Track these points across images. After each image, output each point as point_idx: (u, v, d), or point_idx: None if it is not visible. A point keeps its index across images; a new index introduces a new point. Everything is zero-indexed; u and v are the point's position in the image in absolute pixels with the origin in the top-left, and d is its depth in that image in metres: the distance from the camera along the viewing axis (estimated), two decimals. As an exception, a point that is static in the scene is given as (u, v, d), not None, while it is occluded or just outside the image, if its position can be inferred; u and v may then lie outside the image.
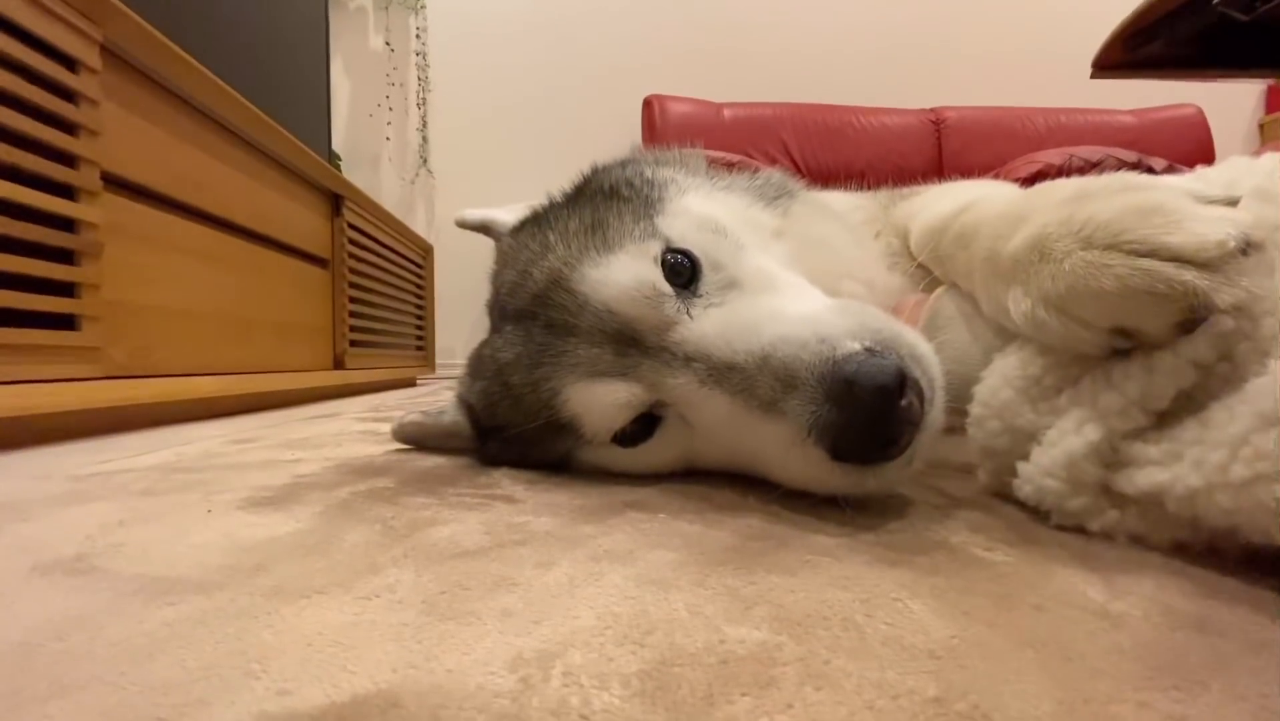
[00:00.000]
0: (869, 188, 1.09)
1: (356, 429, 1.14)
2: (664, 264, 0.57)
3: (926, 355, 0.50)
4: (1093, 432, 0.43)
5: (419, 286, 2.93)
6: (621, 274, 0.56)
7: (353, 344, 2.13)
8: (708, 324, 0.54)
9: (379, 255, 2.40)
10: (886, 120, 3.31)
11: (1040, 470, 0.46)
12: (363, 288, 2.23)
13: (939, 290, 0.64)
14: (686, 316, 0.55)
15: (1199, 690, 0.26)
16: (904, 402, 0.45)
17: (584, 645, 0.31)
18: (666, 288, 0.55)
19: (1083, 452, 0.44)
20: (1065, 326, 0.45)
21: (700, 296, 0.56)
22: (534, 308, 0.61)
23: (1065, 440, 0.45)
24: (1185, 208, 0.42)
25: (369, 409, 1.57)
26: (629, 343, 0.56)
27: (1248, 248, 0.40)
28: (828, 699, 0.26)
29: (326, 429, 1.14)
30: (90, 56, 1.09)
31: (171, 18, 1.35)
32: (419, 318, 2.94)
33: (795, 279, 0.59)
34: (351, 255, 2.14)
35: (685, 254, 0.57)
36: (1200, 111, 3.26)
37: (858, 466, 0.47)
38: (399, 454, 0.84)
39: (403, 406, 1.58)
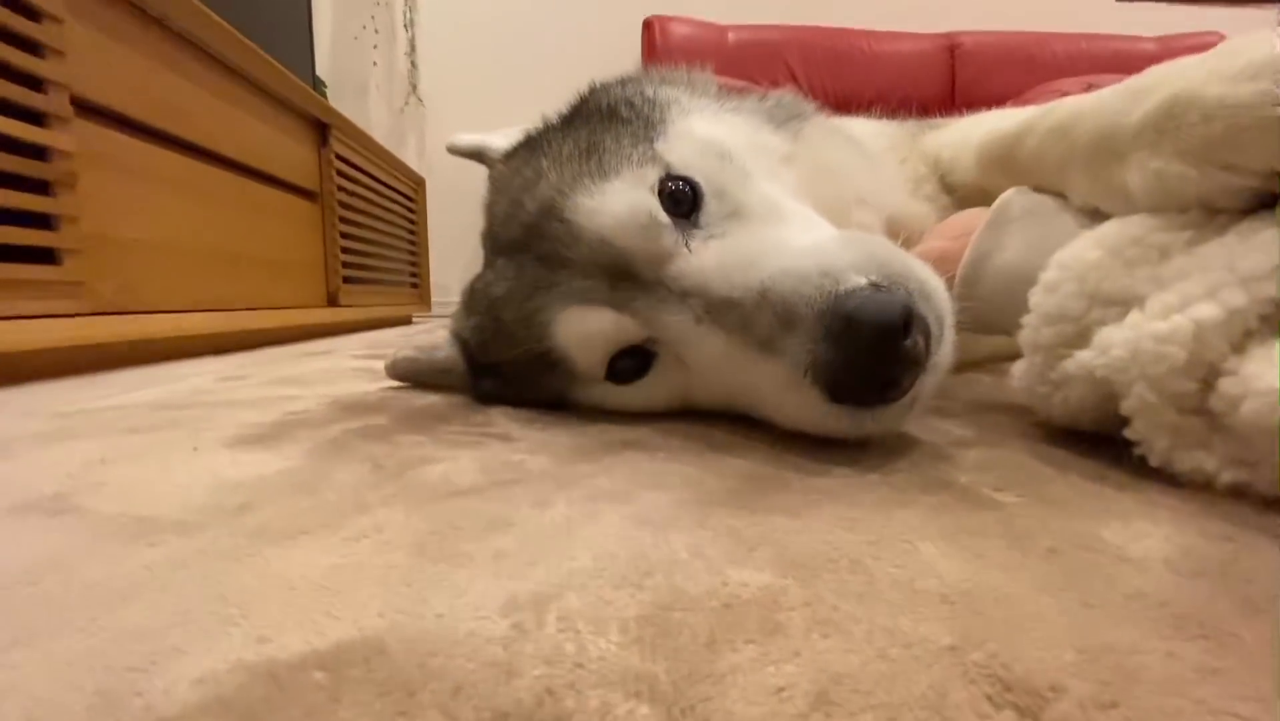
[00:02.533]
0: (893, 115, 1.04)
1: (350, 366, 1.12)
2: (663, 191, 0.54)
3: (937, 290, 0.47)
4: (1234, 298, 0.37)
5: (411, 221, 2.86)
6: (617, 203, 0.53)
7: (346, 280, 2.08)
8: (707, 257, 0.51)
9: (369, 188, 2.33)
10: (898, 45, 3.16)
11: (1149, 335, 0.39)
12: (354, 222, 2.17)
13: (1005, 194, 0.57)
14: (685, 249, 0.52)
15: (1230, 641, 0.25)
16: (908, 342, 0.42)
17: (580, 587, 0.29)
18: (665, 218, 0.52)
19: (1215, 322, 0.37)
20: (1210, 177, 0.41)
21: (700, 228, 0.53)
22: (526, 239, 0.58)
23: (1194, 306, 0.38)
24: None
25: (364, 345, 1.54)
26: (624, 276, 0.53)
27: None
28: (837, 646, 0.25)
29: (320, 366, 1.13)
30: (50, -32, 1.01)
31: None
32: (412, 253, 2.88)
33: (803, 208, 0.56)
34: (341, 188, 2.07)
35: (686, 180, 0.54)
36: (1225, 39, 3.12)
37: (856, 408, 0.45)
38: (394, 391, 0.82)
39: (398, 344, 1.56)
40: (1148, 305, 0.40)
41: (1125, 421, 0.42)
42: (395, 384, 0.86)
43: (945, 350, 0.47)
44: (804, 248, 0.49)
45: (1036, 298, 0.46)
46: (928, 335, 0.44)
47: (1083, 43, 3.12)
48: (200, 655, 0.24)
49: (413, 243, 2.89)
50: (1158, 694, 0.22)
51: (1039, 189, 0.56)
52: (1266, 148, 0.40)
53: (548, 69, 3.18)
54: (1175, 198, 0.43)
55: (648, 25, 3.05)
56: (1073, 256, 0.45)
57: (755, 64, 2.95)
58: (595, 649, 0.25)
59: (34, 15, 0.98)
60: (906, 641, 0.25)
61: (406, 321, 2.76)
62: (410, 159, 3.18)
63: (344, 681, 0.23)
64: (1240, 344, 0.37)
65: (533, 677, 0.23)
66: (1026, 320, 0.47)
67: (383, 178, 2.47)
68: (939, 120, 0.92)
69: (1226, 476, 0.38)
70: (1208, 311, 0.37)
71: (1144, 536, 0.34)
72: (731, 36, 3.08)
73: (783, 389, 0.47)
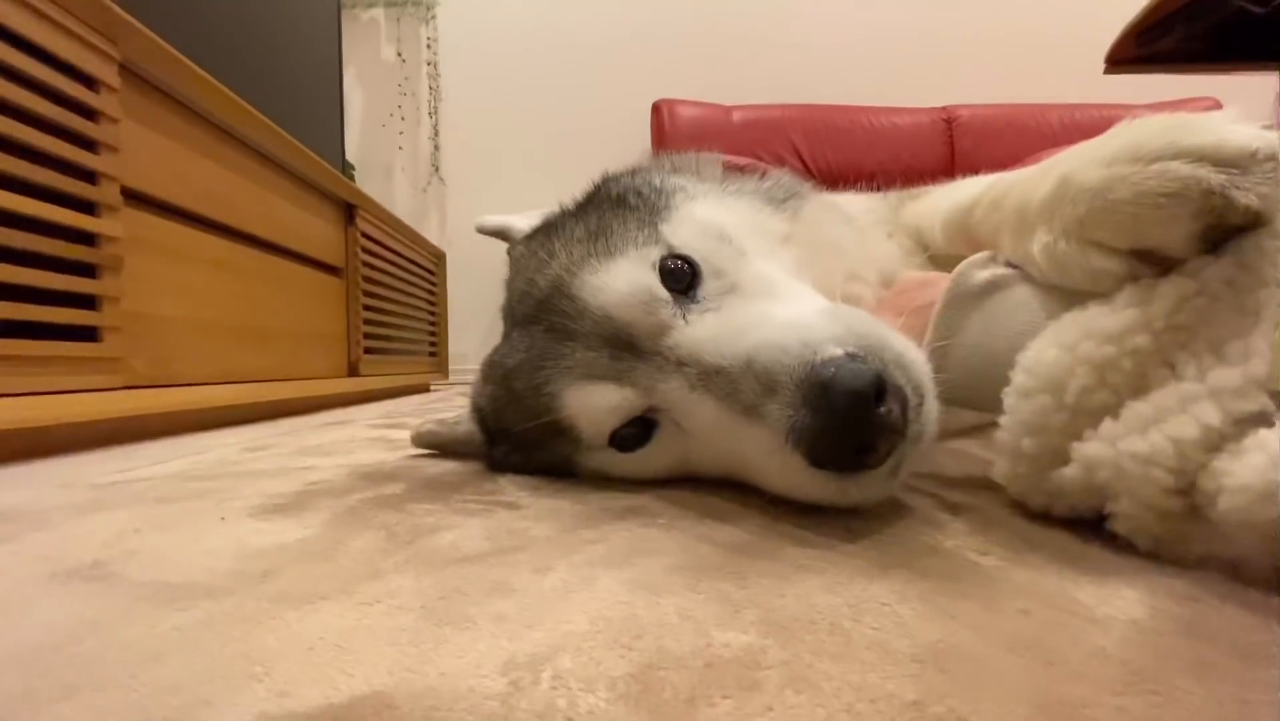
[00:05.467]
0: (879, 188, 1.10)
1: (368, 435, 1.16)
2: (664, 270, 0.58)
3: (914, 361, 0.49)
4: (1208, 415, 0.37)
5: (432, 293, 2.96)
6: (618, 280, 0.57)
7: (367, 351, 2.15)
8: (701, 328, 0.54)
9: (392, 263, 2.43)
10: (897, 120, 3.30)
11: (1129, 455, 0.39)
12: (376, 295, 2.26)
13: (959, 268, 0.58)
14: (682, 321, 0.55)
15: (1179, 695, 0.27)
16: (883, 409, 0.44)
17: (574, 649, 0.31)
18: (663, 293, 0.56)
19: (1193, 440, 0.37)
20: (1085, 256, 0.44)
21: (698, 302, 0.57)
22: (538, 313, 0.62)
23: (1170, 422, 0.38)
24: (1213, 120, 0.41)
25: (381, 415, 1.59)
26: (625, 347, 0.56)
27: (1277, 165, 0.39)
28: (807, 701, 0.27)
29: (339, 435, 1.16)
30: (109, 75, 1.12)
31: (187, 34, 1.39)
32: (432, 324, 2.97)
33: (797, 284, 0.60)
34: (365, 263, 2.17)
35: (685, 259, 0.58)
36: (1218, 104, 3.21)
37: (838, 475, 0.47)
38: (410, 459, 0.85)
39: (415, 413, 1.61)
40: (1123, 416, 0.41)
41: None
42: (412, 451, 0.89)
43: (927, 419, 0.49)
44: (788, 320, 0.52)
45: (1010, 400, 0.46)
46: (904, 403, 0.46)
47: (1077, 112, 3.23)
48: (227, 708, 0.27)
49: (433, 314, 2.98)
50: (1099, 744, 0.23)
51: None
52: (1120, 227, 0.43)
53: (561, 151, 3.36)
54: (1063, 271, 0.47)
55: (656, 109, 3.21)
56: (1035, 359, 0.45)
57: (760, 141, 3.09)
58: (585, 704, 0.27)
59: (92, 116, 1.08)
60: (872, 697, 0.27)
61: (425, 390, 2.81)
62: (432, 234, 3.32)
63: (355, 732, 0.25)
64: (1217, 444, 0.38)
65: (526, 729, 0.25)
66: (1005, 425, 0.47)
67: (405, 252, 2.58)
68: (918, 190, 0.97)
69: (1213, 563, 0.39)
70: (1185, 430, 0.38)
71: (1115, 597, 0.36)
72: (736, 116, 3.23)
73: (767, 454, 0.49)
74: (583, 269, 0.60)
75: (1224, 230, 0.41)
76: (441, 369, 3.06)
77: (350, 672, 0.29)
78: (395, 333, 2.46)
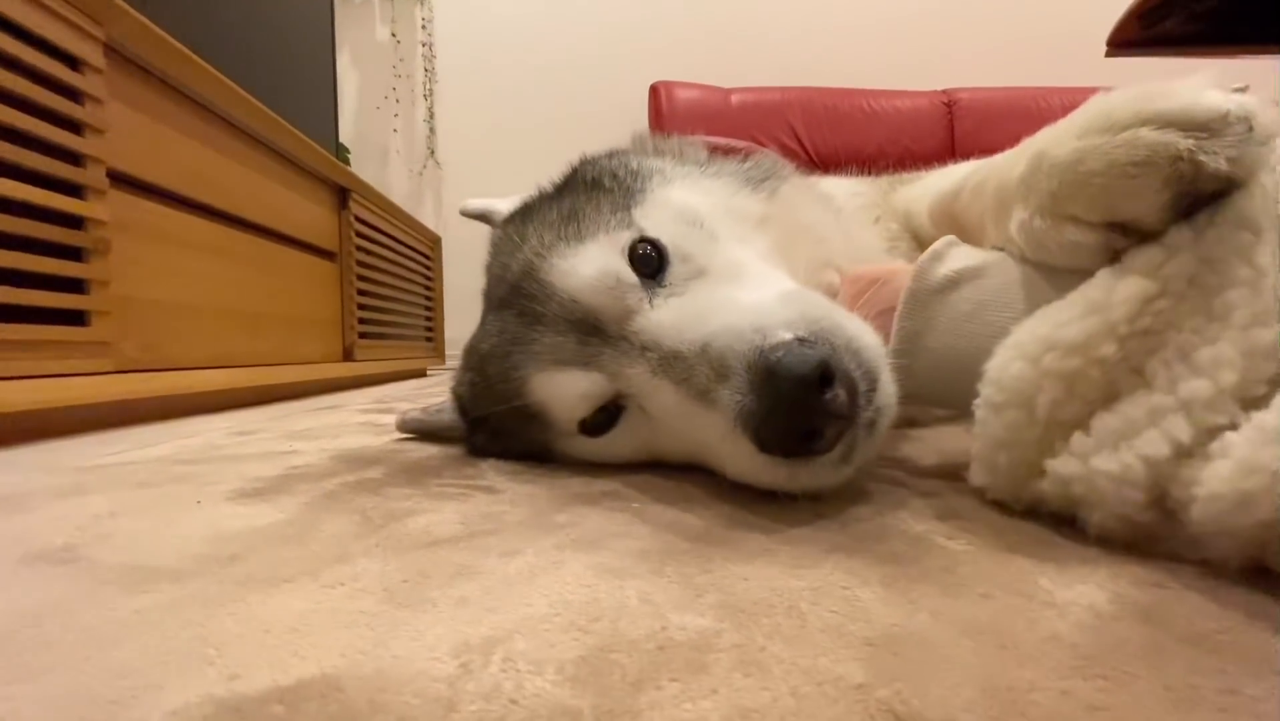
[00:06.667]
0: (871, 173, 1.09)
1: (357, 420, 1.16)
2: (634, 254, 0.57)
3: (867, 347, 0.48)
4: (1178, 430, 0.36)
5: (428, 278, 2.95)
6: (586, 264, 0.57)
7: (362, 336, 2.15)
8: (664, 313, 0.54)
9: (387, 247, 2.42)
10: (897, 103, 3.27)
11: (1103, 474, 0.39)
12: (371, 280, 2.25)
13: (920, 260, 0.56)
14: (648, 306, 0.55)
15: (1126, 679, 0.26)
16: (828, 395, 0.44)
17: (530, 631, 0.31)
18: (631, 278, 0.56)
19: (1163, 458, 0.37)
20: (1060, 231, 0.44)
21: (665, 287, 0.56)
22: (510, 297, 0.62)
23: (1141, 438, 0.38)
24: (1184, 86, 0.40)
25: (373, 400, 1.59)
26: (591, 331, 0.56)
27: (1251, 127, 0.38)
28: (753, 684, 0.27)
29: (328, 421, 1.17)
30: (94, 56, 1.10)
31: (177, 15, 1.37)
32: (428, 309, 2.96)
33: (765, 268, 0.59)
34: (359, 248, 2.16)
35: (653, 244, 0.58)
36: (1223, 88, 3.18)
37: (787, 460, 0.47)
38: (396, 444, 0.85)
39: (408, 398, 1.61)
40: (1093, 429, 0.40)
41: None
42: (399, 437, 0.90)
43: (881, 406, 0.48)
44: (746, 305, 0.51)
45: (981, 414, 0.45)
46: (852, 389, 0.45)
47: (1078, 95, 3.13)
48: (176, 690, 0.27)
49: (429, 298, 2.97)
50: (1038, 728, 0.23)
51: (969, 240, 0.57)
52: (1092, 200, 0.42)
53: (558, 133, 3.32)
54: (1040, 248, 0.47)
55: (654, 91, 3.18)
56: (1001, 372, 0.44)
57: (759, 124, 3.07)
58: (531, 686, 0.27)
59: (76, 97, 1.07)
60: (820, 680, 0.27)
61: (421, 374, 2.81)
62: (428, 218, 3.31)
63: (299, 714, 0.25)
64: (1189, 453, 0.37)
65: (469, 712, 0.25)
66: (978, 438, 0.46)
67: (400, 237, 2.57)
68: (909, 175, 0.96)
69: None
70: (1157, 449, 0.37)
71: (1078, 583, 0.36)
72: (735, 99, 3.20)
73: (721, 439, 0.49)
74: (552, 253, 0.59)
75: (1198, 198, 0.40)
76: (438, 353, 3.06)
77: (303, 655, 0.30)
78: (391, 317, 2.46)
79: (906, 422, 0.79)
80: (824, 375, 0.43)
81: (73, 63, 1.07)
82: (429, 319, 2.97)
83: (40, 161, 0.99)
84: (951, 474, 0.59)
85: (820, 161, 3.07)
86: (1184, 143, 0.39)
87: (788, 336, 0.46)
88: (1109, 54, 1.78)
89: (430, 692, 0.26)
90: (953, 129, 3.25)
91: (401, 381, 2.43)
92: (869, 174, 1.08)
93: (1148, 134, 0.40)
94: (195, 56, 1.33)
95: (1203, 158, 0.39)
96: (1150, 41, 1.77)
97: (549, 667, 0.28)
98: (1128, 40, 1.77)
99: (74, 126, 1.06)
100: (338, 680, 0.27)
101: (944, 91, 3.30)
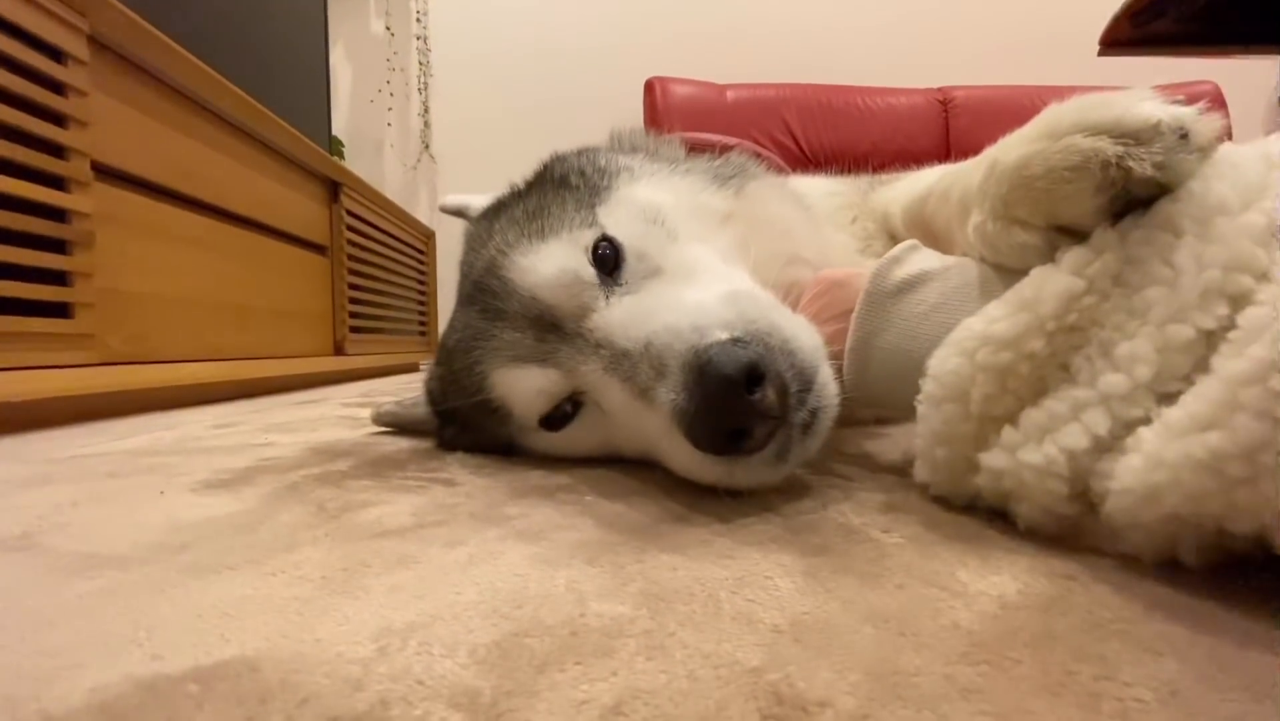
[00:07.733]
0: (860, 171, 1.09)
1: (338, 414, 1.17)
2: (595, 253, 0.58)
3: (803, 348, 0.49)
4: (1097, 423, 0.38)
5: (421, 272, 2.96)
6: (546, 262, 0.58)
7: (353, 330, 2.16)
8: (617, 311, 0.55)
9: (379, 241, 2.43)
10: (892, 100, 3.26)
11: (1028, 467, 0.40)
12: (363, 274, 2.26)
13: (879, 263, 0.56)
14: (603, 304, 0.56)
15: (1009, 665, 0.27)
16: (756, 395, 0.44)
17: (452, 617, 0.33)
18: (591, 276, 0.57)
19: (1084, 449, 0.38)
20: (1009, 233, 0.45)
21: (621, 285, 0.57)
22: (474, 293, 0.63)
23: (1062, 431, 0.39)
24: (1124, 96, 0.42)
25: (359, 394, 1.60)
26: (549, 329, 0.57)
27: (1185, 137, 0.40)
28: (653, 668, 0.28)
29: (309, 414, 1.18)
30: (77, 48, 1.11)
31: (167, 7, 1.38)
32: (421, 303, 2.97)
33: (722, 266, 0.60)
34: (351, 242, 2.17)
35: (611, 242, 0.59)
36: (1217, 88, 3.17)
37: (721, 457, 0.47)
38: (370, 438, 0.87)
39: (394, 392, 1.62)
40: (1021, 423, 0.41)
41: None
42: (375, 430, 0.91)
43: (820, 406, 0.49)
44: (689, 305, 0.52)
45: (922, 409, 0.46)
46: (783, 389, 0.46)
47: (1073, 94, 3.18)
48: (99, 670, 0.28)
49: (422, 292, 2.98)
50: (910, 709, 0.24)
51: (938, 245, 0.58)
52: (1035, 204, 0.44)
53: (553, 128, 3.30)
54: (993, 250, 0.48)
55: (649, 86, 3.18)
56: (940, 367, 0.45)
57: (754, 121, 3.07)
58: (440, 668, 0.28)
59: (60, 90, 1.08)
60: (717, 664, 0.28)
61: (414, 369, 2.83)
62: (422, 213, 3.31)
63: (211, 692, 0.26)
64: (1107, 446, 0.38)
65: (374, 691, 0.26)
66: (919, 434, 0.47)
67: (393, 231, 2.58)
68: (889, 175, 0.97)
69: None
70: (1077, 441, 0.38)
71: (994, 574, 0.37)
72: (730, 95, 3.20)
73: (662, 436, 0.50)
74: (515, 250, 0.60)
75: (1133, 203, 0.42)
76: (431, 348, 3.06)
77: (228, 638, 0.31)
78: (383, 311, 2.47)
79: (875, 420, 0.80)
80: (754, 375, 0.44)
81: (56, 55, 1.07)
82: (422, 313, 2.99)
83: (23, 154, 1.00)
84: (900, 471, 0.60)
85: (816, 158, 3.07)
86: (1113, 149, 0.40)
87: (723, 336, 0.47)
88: (1101, 53, 1.78)
89: (342, 674, 0.28)
90: (948, 127, 3.25)
91: (393, 376, 2.44)
92: (852, 173, 1.08)
93: (1081, 140, 0.41)
94: (180, 49, 1.33)
95: (1130, 164, 0.40)
96: (1142, 41, 1.77)
97: (461, 651, 0.29)
98: (1120, 40, 1.76)
99: (57, 119, 1.07)
100: (256, 661, 0.29)
101: (939, 89, 3.30)
